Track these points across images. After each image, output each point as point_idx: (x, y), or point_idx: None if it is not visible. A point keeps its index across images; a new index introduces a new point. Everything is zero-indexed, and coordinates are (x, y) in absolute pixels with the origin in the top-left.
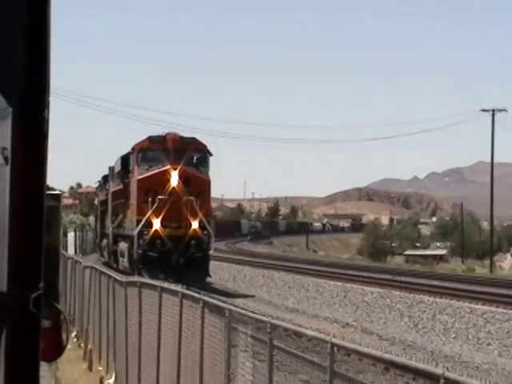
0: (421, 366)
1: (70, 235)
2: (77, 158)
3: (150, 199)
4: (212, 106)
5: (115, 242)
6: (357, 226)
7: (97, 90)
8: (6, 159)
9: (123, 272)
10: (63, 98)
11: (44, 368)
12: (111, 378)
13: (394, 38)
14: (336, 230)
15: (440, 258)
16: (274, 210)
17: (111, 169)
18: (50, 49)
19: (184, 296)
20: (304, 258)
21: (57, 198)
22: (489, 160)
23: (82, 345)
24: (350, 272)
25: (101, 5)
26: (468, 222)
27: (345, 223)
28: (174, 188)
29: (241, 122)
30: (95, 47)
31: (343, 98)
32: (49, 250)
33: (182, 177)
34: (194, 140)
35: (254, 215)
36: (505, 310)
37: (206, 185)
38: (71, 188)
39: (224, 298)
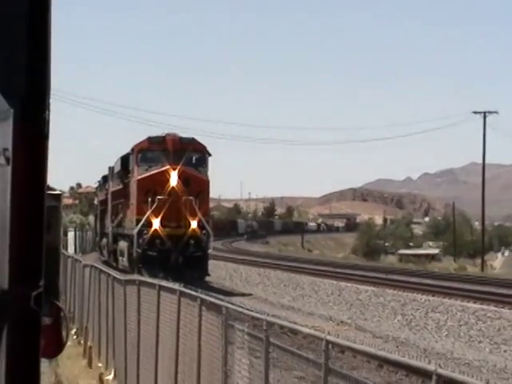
0: (414, 362)
1: (70, 234)
2: (77, 158)
3: (149, 199)
4: (209, 107)
5: (115, 241)
6: (351, 225)
7: (97, 92)
8: (7, 159)
9: (123, 271)
10: (63, 99)
11: (44, 364)
12: (110, 374)
13: (395, 38)
14: (331, 229)
15: (432, 257)
16: (270, 210)
17: (111, 169)
18: (51, 50)
19: (182, 294)
20: (299, 257)
21: (57, 197)
22: (480, 161)
23: (82, 342)
24: (345, 271)
25: (100, 5)
26: (460, 221)
27: (339, 223)
28: (173, 188)
29: (238, 123)
30: (95, 49)
31: (339, 101)
32: (49, 249)
33: (182, 177)
34: (193, 140)
35: (250, 215)
36: (496, 308)
37: (204, 185)
38: (71, 188)
39: (221, 296)
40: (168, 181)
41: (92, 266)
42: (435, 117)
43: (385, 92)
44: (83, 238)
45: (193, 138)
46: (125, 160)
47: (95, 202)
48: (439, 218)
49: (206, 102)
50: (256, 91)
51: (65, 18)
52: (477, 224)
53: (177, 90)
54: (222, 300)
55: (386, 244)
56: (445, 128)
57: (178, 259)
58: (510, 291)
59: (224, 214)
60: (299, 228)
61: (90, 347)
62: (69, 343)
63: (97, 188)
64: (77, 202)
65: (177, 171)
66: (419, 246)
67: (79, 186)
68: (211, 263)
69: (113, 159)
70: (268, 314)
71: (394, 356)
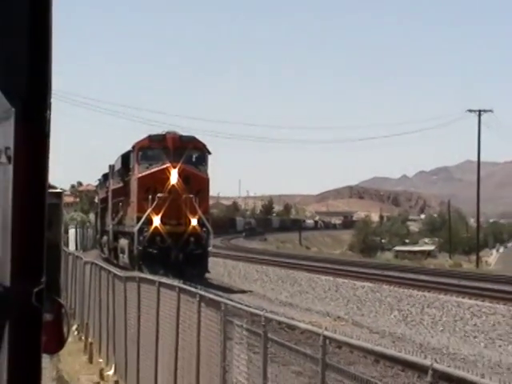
0: (410, 357)
1: (71, 232)
2: (77, 157)
3: (150, 197)
4: (209, 107)
5: (115, 238)
6: (348, 222)
7: (98, 92)
8: (8, 158)
9: (123, 268)
10: (64, 99)
11: (46, 360)
12: (111, 369)
13: (391, 37)
14: (328, 226)
15: (428, 253)
16: (268, 208)
17: (111, 167)
18: (52, 50)
19: (181, 290)
20: (297, 254)
21: (58, 195)
22: (475, 159)
23: (83, 338)
24: (342, 267)
25: (101, 5)
26: (455, 218)
27: (336, 220)
28: (173, 186)
29: (236, 122)
30: (96, 49)
31: (336, 100)
32: (50, 246)
33: (182, 175)
34: (193, 139)
35: (248, 212)
36: (491, 304)
37: (204, 183)
38: (72, 186)
39: (220, 293)
40: (168, 179)
41: (93, 263)
42: (431, 115)
43: (381, 91)
44: (84, 236)
45: (193, 137)
46: (125, 158)
47: (96, 199)
48: (435, 215)
49: (206, 102)
50: (255, 91)
51: (65, 18)
52: (472, 221)
53: (176, 90)
54: (220, 296)
55: (383, 241)
56: (440, 126)
57: (179, 256)
58: (504, 287)
59: (223, 212)
60: (297, 225)
61: (91, 343)
62: (70, 339)
63: (97, 186)
64: (77, 199)
65: (177, 169)
66: (415, 243)
67: (80, 184)
68: (210, 260)
69: (113, 158)
70: (266, 310)
71: (391, 351)
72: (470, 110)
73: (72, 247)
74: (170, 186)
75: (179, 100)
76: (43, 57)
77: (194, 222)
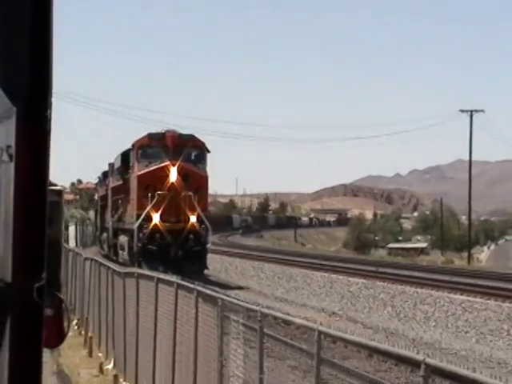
0: (403, 352)
1: (71, 229)
2: (77, 156)
3: (149, 194)
4: (206, 106)
5: (115, 235)
6: (342, 220)
7: (98, 91)
8: (10, 156)
9: (123, 264)
10: (64, 98)
11: (46, 354)
12: (110, 363)
13: (384, 38)
14: (323, 224)
15: (421, 250)
16: (264, 206)
17: (111, 165)
18: (53, 51)
19: (179, 286)
20: (292, 251)
21: (59, 193)
22: (467, 158)
23: (83, 332)
24: (336, 264)
25: (101, 5)
26: (447, 216)
27: (331, 218)
28: (172, 183)
29: (233, 122)
30: (97, 49)
31: (332, 100)
32: (51, 243)
33: (181, 173)
34: (192, 137)
35: (245, 210)
36: (482, 300)
37: (203, 180)
38: (72, 184)
39: (217, 289)
40: (168, 176)
41: (92, 260)
42: (423, 116)
43: (375, 91)
44: (84, 233)
45: (192, 135)
46: (125, 156)
47: (95, 197)
48: (427, 212)
49: (204, 102)
50: (251, 91)
51: (66, 18)
52: (464, 219)
53: (175, 90)
54: (217, 292)
55: (376, 238)
56: (433, 126)
57: (178, 253)
58: (495, 283)
59: (220, 210)
60: (292, 223)
61: (91, 337)
62: (70, 334)
63: (97, 184)
64: (77, 197)
65: (176, 167)
66: (408, 240)
67: (80, 182)
68: (208, 256)
69: (112, 157)
70: (262, 306)
71: (384, 346)
72: (462, 111)
73: (72, 244)
74: (169, 184)
75: (178, 100)
76: (44, 57)
77: (193, 219)
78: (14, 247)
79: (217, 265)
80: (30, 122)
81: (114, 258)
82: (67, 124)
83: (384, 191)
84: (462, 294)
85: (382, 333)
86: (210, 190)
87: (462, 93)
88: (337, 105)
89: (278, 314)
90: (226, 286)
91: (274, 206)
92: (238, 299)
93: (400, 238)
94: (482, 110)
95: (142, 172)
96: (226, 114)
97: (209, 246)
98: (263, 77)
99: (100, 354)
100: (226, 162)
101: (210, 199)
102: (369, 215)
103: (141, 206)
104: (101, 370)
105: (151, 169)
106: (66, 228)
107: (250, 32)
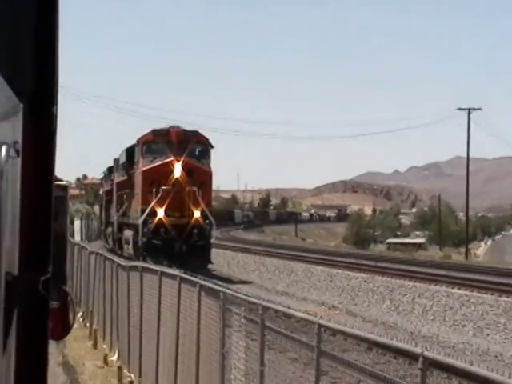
0: (401, 345)
1: (77, 223)
2: (83, 152)
3: (154, 189)
4: (209, 103)
5: (120, 229)
6: (342, 216)
7: (103, 88)
8: (17, 152)
9: (128, 259)
10: (71, 95)
11: (52, 346)
12: (114, 355)
13: (382, 36)
14: (323, 219)
15: (419, 245)
16: (265, 201)
17: (116, 161)
18: (59, 48)
19: (182, 280)
20: (293, 246)
21: (64, 188)
22: (465, 155)
23: (88, 324)
24: (336, 258)
25: (105, 4)
26: (445, 212)
27: (331, 213)
28: (177, 179)
29: (236, 119)
30: (102, 46)
31: (332, 98)
32: (57, 237)
33: (185, 168)
34: (196, 133)
35: (247, 206)
36: (479, 294)
37: (207, 176)
38: (78, 179)
39: (219, 282)
40: (172, 172)
41: (97, 253)
42: (422, 113)
43: (375, 90)
44: (89, 227)
45: (196, 131)
46: (130, 152)
47: (100, 192)
48: (426, 208)
49: (207, 99)
50: (253, 88)
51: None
52: (461, 215)
53: (179, 87)
54: (220, 286)
55: (375, 233)
56: (431, 124)
57: (182, 248)
58: (492, 278)
59: (222, 205)
60: (293, 218)
61: (96, 330)
62: (75, 326)
63: (102, 179)
64: (83, 192)
65: (181, 163)
66: (406, 236)
67: (85, 177)
68: (211, 251)
69: (117, 153)
70: (263, 299)
71: (383, 339)
72: (460, 109)
73: (77, 238)
74: (173, 179)
75: (182, 97)
76: (50, 54)
77: (197, 214)
78: (20, 241)
79: (219, 259)
80: (37, 119)
81: (119, 252)
82: (73, 121)
83: (383, 187)
84: (459, 289)
85: (380, 326)
86: (213, 186)
87: (461, 91)
88: (337, 102)
89: (279, 308)
90: (228, 280)
91: (275, 201)
92: (239, 293)
93: (399, 233)
94: (479, 109)
95: (147, 167)
96: (228, 110)
97: (212, 240)
98: (264, 73)
99: (104, 346)
100: (228, 158)
101: (212, 194)
102: (368, 211)
103: (145, 201)
104: (105, 362)
105: (156, 164)
106: (72, 222)
107: (252, 28)
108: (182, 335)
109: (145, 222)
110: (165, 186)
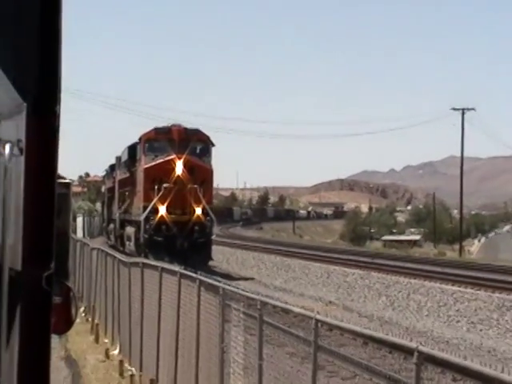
0: (397, 340)
1: (79, 220)
2: (85, 150)
3: (156, 187)
4: (209, 103)
5: (122, 226)
6: (339, 213)
7: (105, 88)
8: (20, 150)
9: (129, 255)
10: (72, 95)
11: (55, 340)
12: (116, 349)
13: (380, 36)
14: (320, 216)
15: (414, 242)
16: (263, 199)
17: (118, 158)
18: (62, 48)
19: (182, 276)
20: (291, 242)
21: (67, 186)
22: (459, 154)
23: (90, 319)
24: (333, 255)
25: (106, 3)
26: (440, 210)
27: (328, 211)
28: (178, 176)
29: (235, 118)
30: (105, 46)
31: (329, 97)
32: (59, 234)
33: (187, 166)
34: (197, 131)
35: (245, 203)
36: (472, 291)
37: (208, 174)
38: (80, 177)
39: (219, 278)
40: (174, 169)
41: (99, 249)
42: (417, 113)
43: (372, 89)
44: (91, 224)
45: (197, 129)
46: (132, 149)
47: (102, 189)
48: (420, 206)
49: (207, 99)
50: (252, 88)
51: (73, 16)
52: (455, 212)
53: (180, 87)
54: (219, 281)
55: (371, 230)
56: (426, 123)
57: (184, 244)
58: (485, 275)
59: (221, 202)
60: (291, 215)
61: (97, 324)
62: (77, 320)
63: (104, 176)
64: (85, 189)
65: (182, 160)
66: (402, 233)
67: (87, 175)
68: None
69: (118, 152)
70: (262, 295)
71: (379, 334)
72: (455, 109)
73: (80, 234)
74: (175, 177)
75: (182, 97)
76: (53, 55)
77: (198, 211)
78: (24, 238)
79: (219, 255)
80: (40, 117)
81: (121, 248)
82: (76, 119)
83: (379, 186)
84: (453, 285)
85: (376, 321)
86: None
87: (455, 91)
88: (336, 102)
89: (277, 303)
90: (227, 276)
91: (273, 199)
92: (238, 288)
93: (394, 230)
94: (473, 109)
95: (149, 165)
96: (227, 110)
97: (213, 237)
98: (262, 73)
99: (106, 340)
100: (227, 156)
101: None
102: (364, 209)
103: (147, 198)
104: (107, 356)
105: (158, 162)
106: (74, 219)
107: (252, 28)
108: (182, 330)
109: (147, 219)
110: (166, 183)
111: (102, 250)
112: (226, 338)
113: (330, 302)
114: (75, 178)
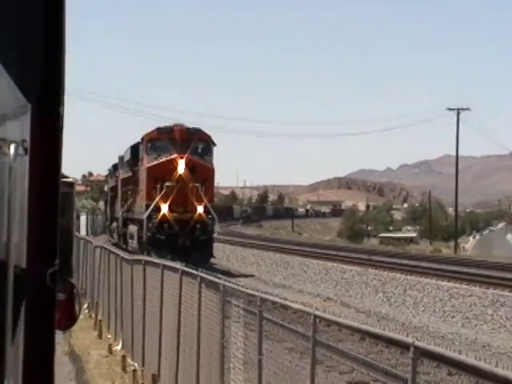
0: (393, 335)
1: (82, 218)
2: (88, 150)
3: (158, 186)
4: (209, 103)
5: (124, 224)
6: (337, 211)
7: (108, 88)
8: (25, 150)
9: (132, 253)
10: (77, 96)
11: (59, 336)
12: (118, 345)
13: (377, 36)
14: (318, 214)
15: (410, 240)
16: (263, 197)
17: (121, 158)
18: (66, 49)
19: (183, 273)
20: (290, 240)
21: (70, 185)
22: (454, 153)
23: (93, 315)
24: (331, 252)
25: (107, 3)
26: (435, 208)
27: (326, 209)
28: (180, 175)
29: (235, 117)
30: (106, 47)
31: (328, 98)
32: (63, 232)
33: (188, 165)
34: (199, 131)
35: (245, 201)
36: (467, 287)
37: (210, 172)
38: (83, 176)
39: (220, 275)
40: (176, 168)
41: (102, 247)
42: (413, 113)
43: (369, 90)
44: (94, 222)
45: (199, 129)
46: (135, 149)
47: (105, 188)
48: (417, 204)
49: (208, 99)
50: (251, 88)
51: (76, 17)
52: (450, 210)
53: (181, 88)
54: (220, 278)
55: (369, 228)
56: (421, 123)
57: (185, 242)
58: (480, 271)
59: (221, 201)
60: (289, 213)
61: (100, 320)
62: (81, 317)
63: (107, 176)
64: (88, 188)
65: (184, 159)
66: (398, 230)
67: (91, 174)
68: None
69: (121, 151)
70: (261, 291)
71: (376, 329)
72: (450, 109)
73: (83, 232)
74: (177, 176)
75: (182, 97)
76: (57, 56)
77: (200, 209)
78: (28, 236)
79: (219, 253)
80: (44, 118)
81: (124, 246)
82: (79, 120)
83: (376, 184)
84: (448, 281)
85: (373, 317)
86: None
87: (450, 92)
88: (334, 102)
89: (277, 299)
90: (228, 273)
91: (272, 197)
92: (238, 285)
93: (391, 228)
94: (468, 109)
95: (151, 164)
96: (227, 109)
97: (215, 235)
98: (262, 73)
99: (109, 336)
100: (227, 155)
101: None
102: (362, 207)
103: (150, 197)
104: (110, 351)
105: (160, 161)
106: (78, 217)
107: (252, 28)
108: (183, 326)
109: (149, 217)
110: (169, 182)
111: (105, 248)
112: (226, 334)
113: (328, 298)
114: (79, 177)
